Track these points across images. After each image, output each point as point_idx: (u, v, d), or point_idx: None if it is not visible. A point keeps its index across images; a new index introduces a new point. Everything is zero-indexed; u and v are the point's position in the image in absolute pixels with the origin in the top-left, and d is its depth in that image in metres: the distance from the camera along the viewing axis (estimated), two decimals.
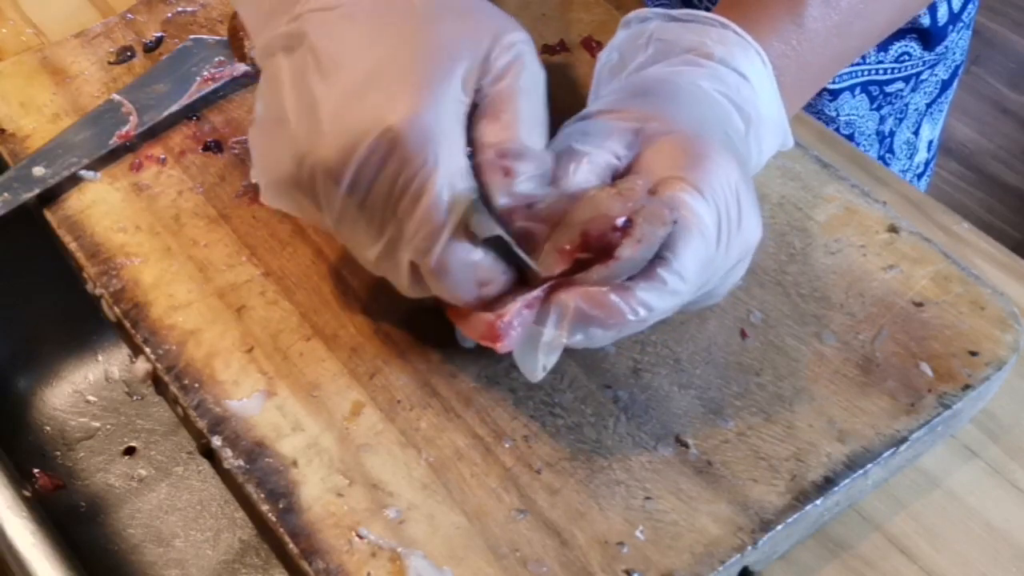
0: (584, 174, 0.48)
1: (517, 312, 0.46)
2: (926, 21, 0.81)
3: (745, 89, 0.52)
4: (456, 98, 0.45)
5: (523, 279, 0.47)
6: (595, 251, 0.46)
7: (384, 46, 0.46)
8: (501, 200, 0.46)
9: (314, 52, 0.46)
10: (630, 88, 0.53)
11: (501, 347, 0.46)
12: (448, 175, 0.45)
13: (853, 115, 0.84)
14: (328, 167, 0.45)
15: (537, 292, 0.46)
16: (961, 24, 0.85)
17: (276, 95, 0.48)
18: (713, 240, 0.46)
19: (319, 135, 0.45)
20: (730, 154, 0.48)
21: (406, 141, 0.44)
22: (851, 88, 0.83)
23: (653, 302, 0.45)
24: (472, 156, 0.46)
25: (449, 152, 0.45)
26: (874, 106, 0.85)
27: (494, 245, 0.46)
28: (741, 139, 0.52)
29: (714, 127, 0.50)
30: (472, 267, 0.46)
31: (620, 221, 0.45)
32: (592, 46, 0.68)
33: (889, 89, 0.85)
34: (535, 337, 0.46)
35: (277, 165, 0.48)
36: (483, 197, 0.46)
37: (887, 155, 0.89)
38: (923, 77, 0.86)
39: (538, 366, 0.46)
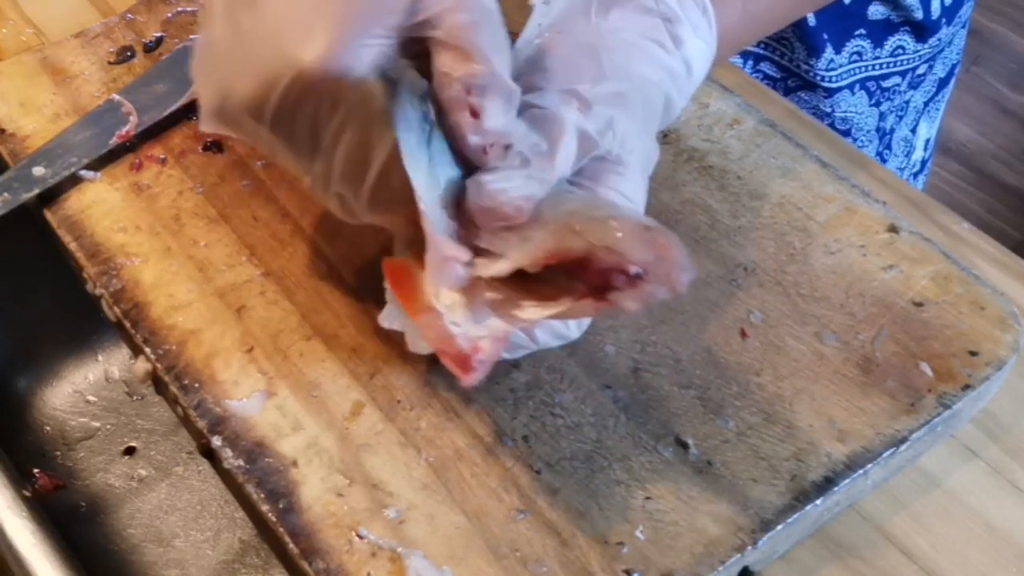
0: (569, 153, 0.47)
1: (494, 352, 0.44)
2: (919, 15, 0.81)
3: (685, 81, 0.51)
4: (378, 33, 0.43)
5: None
6: (575, 271, 0.43)
7: None
8: (472, 139, 0.45)
9: None
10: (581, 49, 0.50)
11: (467, 381, 0.44)
12: (367, 122, 0.44)
13: (851, 111, 0.85)
14: (248, 106, 0.45)
15: (511, 329, 0.45)
16: (957, 22, 0.86)
17: (210, 23, 0.47)
18: None
19: (240, 74, 0.45)
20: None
21: (320, 83, 0.43)
22: (849, 86, 0.83)
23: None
24: (431, 90, 0.45)
25: (374, 98, 0.44)
26: (873, 102, 0.85)
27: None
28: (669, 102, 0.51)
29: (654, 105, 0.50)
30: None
31: (634, 269, 0.42)
32: None
33: (886, 84, 0.85)
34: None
35: (209, 96, 0.47)
36: (450, 133, 0.45)
37: (885, 151, 0.90)
38: (920, 72, 0.86)
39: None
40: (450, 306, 0.45)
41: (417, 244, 0.46)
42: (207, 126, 0.49)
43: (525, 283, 0.45)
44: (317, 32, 0.43)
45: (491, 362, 0.44)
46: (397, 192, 0.45)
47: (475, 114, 0.44)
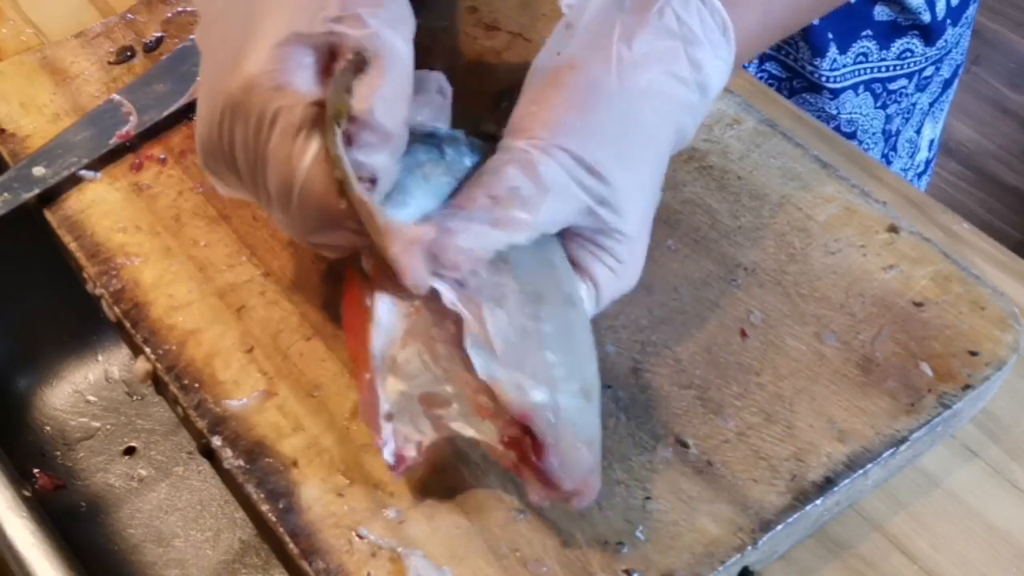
0: (554, 211, 0.46)
1: (419, 459, 0.47)
2: (926, 17, 0.81)
3: (699, 107, 0.50)
4: (300, 58, 0.45)
5: None
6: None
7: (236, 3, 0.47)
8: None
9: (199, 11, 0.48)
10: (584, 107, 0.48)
11: (392, 473, 0.47)
12: (286, 136, 0.45)
13: (856, 113, 0.85)
14: (203, 143, 0.48)
15: (438, 438, 0.47)
16: (963, 23, 0.86)
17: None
18: None
19: (199, 108, 0.48)
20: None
21: (247, 106, 0.45)
22: (854, 87, 0.83)
23: None
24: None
25: (291, 112, 0.44)
26: (879, 104, 0.85)
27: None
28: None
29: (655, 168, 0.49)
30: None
31: (554, 466, 0.44)
32: None
33: (893, 87, 0.85)
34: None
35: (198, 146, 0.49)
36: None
37: (890, 153, 0.90)
38: (927, 75, 0.86)
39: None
40: (387, 388, 0.46)
41: (372, 254, 0.47)
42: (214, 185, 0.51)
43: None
44: (245, 52, 0.45)
45: (414, 467, 0.47)
46: (332, 207, 0.45)
47: (348, 140, 0.45)
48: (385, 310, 0.46)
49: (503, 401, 0.44)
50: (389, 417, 0.46)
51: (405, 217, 0.46)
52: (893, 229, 0.59)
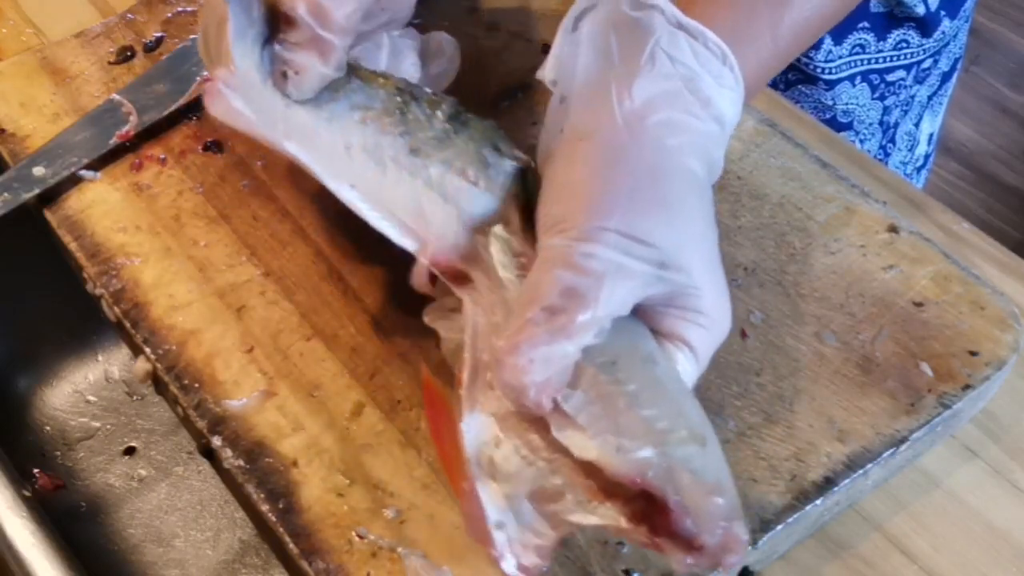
0: (616, 297, 0.43)
1: (540, 566, 0.43)
2: (920, 10, 0.82)
3: (720, 137, 0.49)
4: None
5: None
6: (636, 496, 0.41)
7: None
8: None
9: None
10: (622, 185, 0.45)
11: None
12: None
13: (852, 104, 0.85)
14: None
15: (558, 537, 0.43)
16: (960, 16, 0.86)
17: None
18: None
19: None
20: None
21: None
22: (850, 78, 0.84)
23: None
24: None
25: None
26: (876, 95, 0.85)
27: None
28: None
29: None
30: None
31: (699, 543, 0.40)
32: None
33: (891, 78, 0.85)
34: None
35: None
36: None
37: (888, 144, 0.90)
38: (925, 67, 0.87)
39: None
40: (490, 494, 0.43)
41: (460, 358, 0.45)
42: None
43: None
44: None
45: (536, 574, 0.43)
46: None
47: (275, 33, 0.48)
48: (474, 413, 0.44)
49: (611, 471, 0.41)
50: (500, 526, 0.42)
51: (312, 121, 0.49)
52: (893, 229, 0.59)
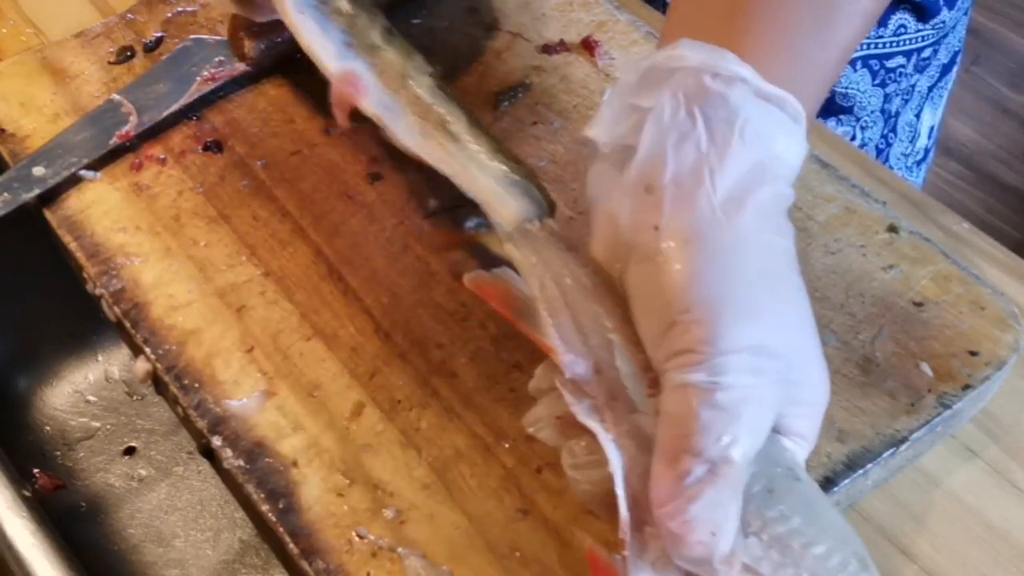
0: (759, 426, 0.41)
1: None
2: None
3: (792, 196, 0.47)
4: None
5: None
6: None
7: None
8: None
9: None
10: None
11: None
12: None
13: (852, 88, 0.85)
14: None
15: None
16: (958, 7, 0.87)
17: None
18: None
19: None
20: None
21: None
22: (851, 63, 0.84)
23: None
24: None
25: None
26: (876, 82, 0.86)
27: None
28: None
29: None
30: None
31: None
32: (592, 46, 0.68)
33: (890, 64, 0.86)
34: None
35: None
36: None
37: (890, 134, 0.91)
38: (925, 55, 0.87)
39: None
40: None
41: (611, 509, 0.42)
42: None
43: None
44: None
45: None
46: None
47: None
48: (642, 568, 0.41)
49: None
50: None
51: None
52: (893, 229, 0.59)
